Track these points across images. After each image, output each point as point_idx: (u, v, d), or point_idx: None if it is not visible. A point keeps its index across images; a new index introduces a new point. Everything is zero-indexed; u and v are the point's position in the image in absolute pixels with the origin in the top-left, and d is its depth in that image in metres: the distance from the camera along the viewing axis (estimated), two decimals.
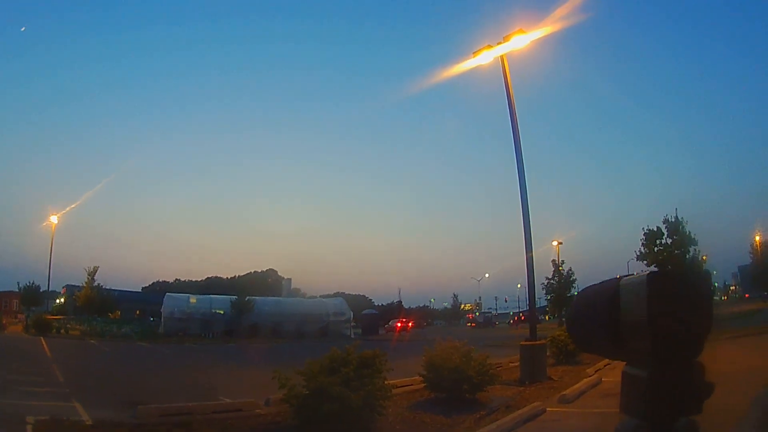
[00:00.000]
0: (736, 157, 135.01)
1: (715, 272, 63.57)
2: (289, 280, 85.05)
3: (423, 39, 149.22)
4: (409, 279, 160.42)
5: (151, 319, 56.87)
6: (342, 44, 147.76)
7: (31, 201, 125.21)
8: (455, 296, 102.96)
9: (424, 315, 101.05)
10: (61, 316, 48.97)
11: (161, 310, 49.44)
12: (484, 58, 17.94)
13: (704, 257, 37.66)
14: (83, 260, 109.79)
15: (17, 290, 59.39)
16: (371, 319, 62.09)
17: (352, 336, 47.02)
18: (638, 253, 37.20)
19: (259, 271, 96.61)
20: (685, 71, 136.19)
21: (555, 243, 57.42)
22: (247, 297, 50.93)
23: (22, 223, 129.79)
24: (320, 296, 72.74)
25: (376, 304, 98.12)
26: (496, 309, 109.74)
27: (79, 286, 54.34)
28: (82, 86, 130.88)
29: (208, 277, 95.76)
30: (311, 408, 8.49)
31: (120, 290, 64.51)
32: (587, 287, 1.65)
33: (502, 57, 17.67)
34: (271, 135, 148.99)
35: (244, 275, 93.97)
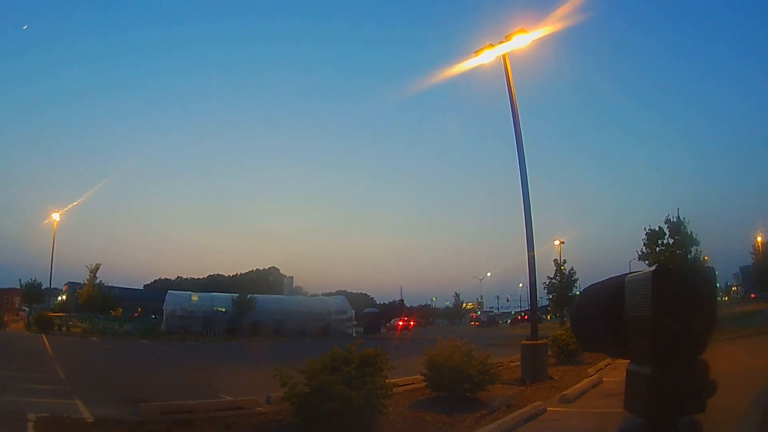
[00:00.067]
0: (737, 157, 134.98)
1: (717, 272, 63.46)
2: (291, 278, 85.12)
3: (423, 39, 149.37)
4: (411, 278, 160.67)
5: (153, 316, 56.97)
6: (342, 44, 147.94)
7: (33, 199, 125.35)
8: (457, 295, 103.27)
9: (426, 314, 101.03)
10: (63, 314, 49.04)
11: (163, 308, 49.48)
12: (486, 57, 17.92)
13: (706, 257, 37.57)
14: (85, 258, 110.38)
15: (19, 287, 59.49)
16: (373, 318, 62.12)
17: (354, 334, 47.04)
18: (640, 253, 37.16)
19: (261, 269, 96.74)
20: (685, 71, 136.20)
21: (557, 242, 57.44)
22: (249, 295, 50.94)
23: (24, 221, 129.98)
24: (322, 294, 72.88)
25: (378, 302, 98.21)
26: (498, 308, 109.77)
27: (80, 284, 54.37)
28: (82, 86, 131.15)
29: (209, 275, 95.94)
30: (312, 406, 8.50)
31: (122, 288, 64.56)
32: (591, 285, 1.65)
33: (503, 56, 17.65)
34: (271, 135, 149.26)
35: (245, 273, 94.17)
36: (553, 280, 53.76)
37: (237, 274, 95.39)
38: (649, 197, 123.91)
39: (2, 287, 62.03)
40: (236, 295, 50.79)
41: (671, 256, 34.89)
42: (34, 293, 57.88)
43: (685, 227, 35.72)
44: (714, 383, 1.41)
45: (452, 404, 11.14)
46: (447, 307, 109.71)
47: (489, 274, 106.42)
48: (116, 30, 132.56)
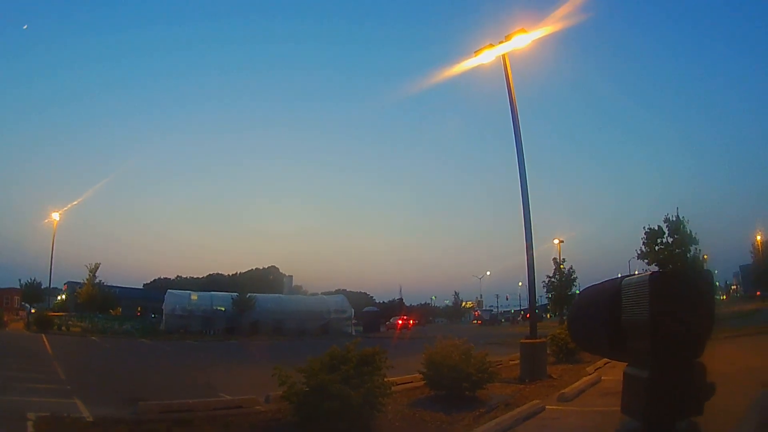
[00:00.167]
0: (736, 157, 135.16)
1: (716, 272, 63.52)
2: (291, 277, 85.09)
3: (423, 39, 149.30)
4: (410, 277, 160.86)
5: (153, 316, 56.94)
6: (342, 44, 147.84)
7: (33, 199, 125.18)
8: (456, 294, 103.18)
9: (426, 312, 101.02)
10: (63, 313, 49.05)
11: (162, 307, 49.47)
12: (486, 57, 17.93)
13: (705, 256, 37.64)
14: (85, 257, 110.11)
15: (18, 287, 59.49)
16: (372, 317, 62.12)
17: (354, 333, 47.02)
18: (639, 252, 37.23)
19: (261, 268, 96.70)
20: (685, 71, 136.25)
21: (556, 241, 57.51)
22: (249, 294, 50.94)
23: (24, 221, 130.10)
24: (321, 294, 72.86)
25: (378, 301, 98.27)
26: (498, 307, 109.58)
27: (80, 283, 54.37)
28: (82, 86, 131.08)
29: (209, 274, 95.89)
30: (311, 405, 8.52)
31: (121, 287, 64.57)
32: (588, 287, 1.66)
33: (503, 56, 17.67)
34: (271, 135, 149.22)
35: (245, 272, 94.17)
36: (553, 279, 53.80)
37: (236, 273, 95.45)
38: (649, 196, 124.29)
39: (2, 287, 61.95)
40: (236, 294, 50.80)
41: (670, 255, 34.96)
42: (33, 293, 57.89)
43: (684, 226, 35.76)
44: (712, 386, 1.41)
45: (451, 403, 11.17)
46: (446, 305, 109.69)
47: (488, 273, 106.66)
48: (116, 30, 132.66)
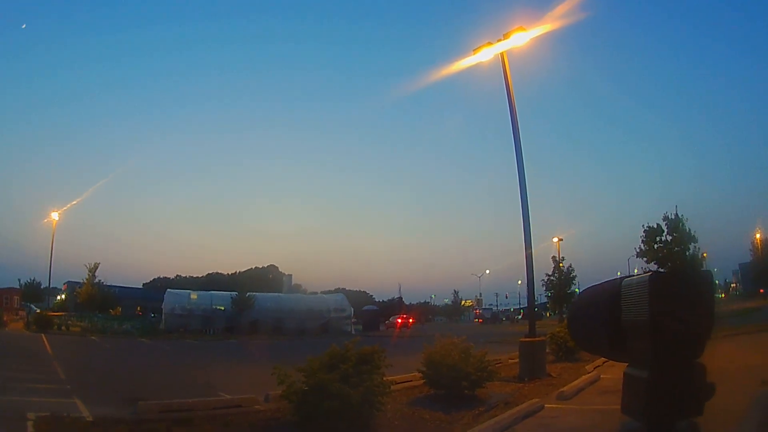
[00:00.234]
0: (736, 155, 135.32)
1: (715, 270, 63.59)
2: (290, 276, 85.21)
3: (422, 38, 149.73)
4: (410, 275, 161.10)
5: (152, 315, 56.95)
6: (342, 44, 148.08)
7: (32, 199, 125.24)
8: (456, 292, 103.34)
9: (425, 311, 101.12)
10: (62, 313, 49.06)
11: (162, 307, 49.54)
12: (484, 55, 17.91)
13: (704, 254, 37.66)
14: (84, 257, 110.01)
15: (18, 287, 59.46)
16: (372, 315, 62.16)
17: (353, 332, 47.11)
18: (638, 250, 37.24)
19: (260, 267, 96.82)
20: (685, 69, 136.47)
21: (555, 240, 57.54)
22: (248, 293, 50.99)
23: (24, 221, 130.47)
24: (321, 292, 72.98)
25: (377, 300, 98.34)
26: (497, 305, 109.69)
27: (80, 283, 54.39)
28: (82, 86, 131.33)
29: (208, 274, 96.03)
30: (311, 404, 8.53)
31: (121, 287, 64.62)
32: (589, 287, 1.66)
33: (502, 54, 17.64)
34: (271, 135, 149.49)
35: (244, 271, 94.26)
36: (552, 278, 53.86)
37: (236, 272, 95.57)
38: (648, 195, 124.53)
39: (1, 287, 61.98)
40: (235, 293, 50.89)
41: (669, 253, 34.98)
42: (33, 292, 57.89)
43: (683, 224, 35.77)
44: (712, 386, 1.41)
45: (450, 401, 11.18)
46: (446, 304, 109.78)
47: (488, 272, 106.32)
48: (116, 30, 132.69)
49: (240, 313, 48.73)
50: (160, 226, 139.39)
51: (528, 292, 18.41)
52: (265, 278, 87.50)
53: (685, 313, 1.26)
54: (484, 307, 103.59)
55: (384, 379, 9.47)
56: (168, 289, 56.11)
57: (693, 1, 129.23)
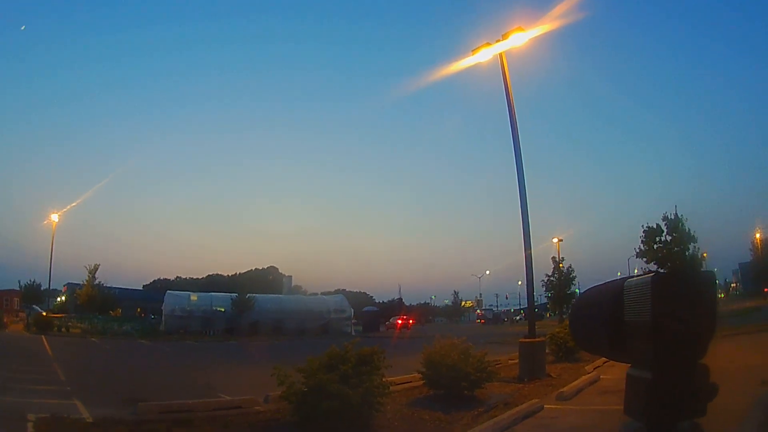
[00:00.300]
0: (735, 155, 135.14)
1: (716, 269, 63.33)
2: (290, 277, 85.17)
3: (421, 38, 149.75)
4: (410, 276, 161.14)
5: (152, 316, 56.94)
6: (342, 44, 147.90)
7: (32, 200, 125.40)
8: (456, 293, 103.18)
9: (425, 312, 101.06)
10: (62, 315, 49.06)
11: (162, 308, 49.51)
12: (483, 55, 17.94)
13: (704, 254, 37.66)
14: (84, 258, 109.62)
15: (18, 288, 59.46)
16: (372, 316, 62.11)
17: (353, 333, 47.08)
18: (638, 251, 37.24)
19: (260, 268, 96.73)
20: (684, 69, 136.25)
21: (555, 240, 57.54)
22: (248, 294, 50.97)
23: (23, 222, 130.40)
24: (321, 293, 72.98)
25: (377, 301, 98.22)
26: (498, 306, 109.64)
27: (80, 284, 54.38)
28: (82, 86, 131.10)
29: (209, 275, 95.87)
30: (310, 405, 8.54)
31: (121, 288, 64.57)
32: (591, 287, 1.65)
33: (500, 54, 17.68)
34: (271, 135, 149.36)
35: (244, 273, 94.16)
36: (552, 278, 53.84)
37: (236, 273, 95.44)
38: (648, 195, 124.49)
39: (1, 288, 61.97)
40: (235, 294, 50.84)
41: (669, 253, 34.99)
42: (33, 294, 57.89)
43: (682, 224, 35.78)
44: (715, 387, 1.40)
45: (450, 402, 11.19)
46: (446, 305, 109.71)
47: (488, 272, 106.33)
48: (116, 30, 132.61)
49: (240, 314, 48.72)
50: (160, 227, 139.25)
51: (527, 292, 18.42)
52: (265, 279, 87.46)
53: (688, 313, 1.26)
54: (484, 307, 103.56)
55: (384, 379, 9.48)
56: (168, 291, 56.10)
57: (692, 1, 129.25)
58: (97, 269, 53.62)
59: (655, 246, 36.19)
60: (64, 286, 66.49)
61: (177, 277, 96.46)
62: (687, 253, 34.96)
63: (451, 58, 21.71)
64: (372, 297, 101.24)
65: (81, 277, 54.04)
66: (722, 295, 77.27)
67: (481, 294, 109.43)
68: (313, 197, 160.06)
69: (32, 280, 59.14)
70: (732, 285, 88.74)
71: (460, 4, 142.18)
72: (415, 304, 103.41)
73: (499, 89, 18.28)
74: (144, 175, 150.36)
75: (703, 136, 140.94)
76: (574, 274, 54.40)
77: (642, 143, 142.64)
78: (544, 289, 54.07)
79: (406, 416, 10.26)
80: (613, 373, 13.48)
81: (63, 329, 41.18)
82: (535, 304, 25.42)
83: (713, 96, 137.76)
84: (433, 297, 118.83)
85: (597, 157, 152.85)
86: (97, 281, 53.64)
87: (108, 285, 56.37)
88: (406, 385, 12.95)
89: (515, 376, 15.04)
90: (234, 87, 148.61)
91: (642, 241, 36.95)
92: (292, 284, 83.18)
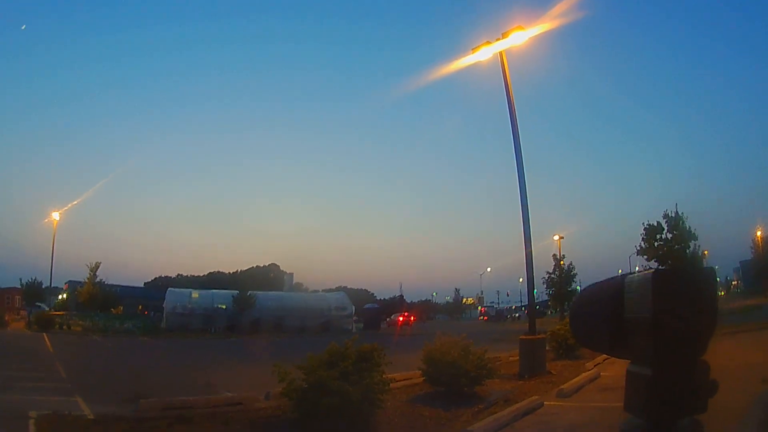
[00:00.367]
0: (736, 153, 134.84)
1: (717, 267, 63.19)
2: (291, 274, 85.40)
3: (422, 38, 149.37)
4: (411, 274, 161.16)
5: (154, 314, 56.97)
6: (342, 44, 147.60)
7: (33, 199, 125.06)
8: (457, 290, 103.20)
9: (426, 309, 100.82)
10: (64, 312, 49.10)
11: (163, 306, 49.53)
12: (483, 54, 17.96)
13: (705, 252, 37.61)
14: (85, 256, 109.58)
15: (20, 286, 59.47)
16: (373, 314, 62.05)
17: (354, 330, 47.09)
18: (638, 248, 37.17)
19: (261, 265, 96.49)
20: (684, 68, 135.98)
21: (556, 238, 57.53)
22: (249, 292, 50.92)
23: (25, 221, 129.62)
24: (322, 291, 72.90)
25: (378, 298, 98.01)
26: (499, 303, 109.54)
27: (81, 282, 54.39)
28: (82, 86, 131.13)
29: (210, 273, 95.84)
30: (310, 402, 8.58)
31: (122, 286, 64.55)
32: (590, 285, 1.66)
33: (500, 53, 17.68)
34: (271, 134, 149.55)
35: (246, 270, 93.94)
36: (552, 276, 53.83)
37: (237, 271, 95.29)
38: (648, 193, 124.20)
39: (3, 286, 62.02)
40: (236, 292, 50.82)
41: (670, 251, 34.91)
42: (34, 292, 57.87)
43: (683, 222, 35.69)
44: (715, 383, 1.41)
45: (450, 399, 11.23)
46: (447, 302, 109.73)
47: (489, 270, 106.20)
48: (116, 30, 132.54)
49: (241, 311, 48.73)
50: (161, 225, 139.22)
51: (528, 290, 18.46)
52: (267, 277, 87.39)
53: (688, 310, 1.26)
54: (486, 304, 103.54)
55: (384, 376, 9.52)
56: (169, 288, 56.09)
57: (691, 1, 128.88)
58: (98, 267, 53.68)
59: (655, 244, 36.09)
60: (65, 284, 66.46)
61: (178, 274, 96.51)
62: (688, 251, 34.90)
63: (451, 58, 21.73)
64: (373, 294, 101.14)
65: (82, 275, 54.09)
66: (722, 293, 77.29)
67: (482, 291, 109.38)
68: (314, 196, 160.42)
69: (33, 278, 58.96)
70: (733, 283, 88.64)
71: (460, 4, 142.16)
72: (416, 301, 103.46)
73: (500, 88, 18.31)
74: (145, 173, 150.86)
75: (703, 135, 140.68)
76: (575, 272, 54.43)
77: (642, 141, 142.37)
78: (545, 286, 54.11)
79: (406, 413, 10.31)
80: (614, 370, 13.50)
81: (64, 327, 41.20)
82: (537, 301, 25.46)
83: (714, 94, 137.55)
84: (434, 294, 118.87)
85: (597, 155, 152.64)
86: (98, 279, 53.65)
87: (109, 283, 56.38)
88: (406, 382, 12.99)
89: (516, 373, 15.08)
90: (234, 87, 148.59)
91: (642, 238, 36.85)
92: (294, 282, 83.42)
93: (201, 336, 41.23)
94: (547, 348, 17.35)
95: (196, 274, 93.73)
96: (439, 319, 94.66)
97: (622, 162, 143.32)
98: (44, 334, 34.86)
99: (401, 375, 12.93)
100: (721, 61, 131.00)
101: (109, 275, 58.50)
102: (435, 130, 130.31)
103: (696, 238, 35.33)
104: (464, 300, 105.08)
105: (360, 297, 78.84)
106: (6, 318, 43.33)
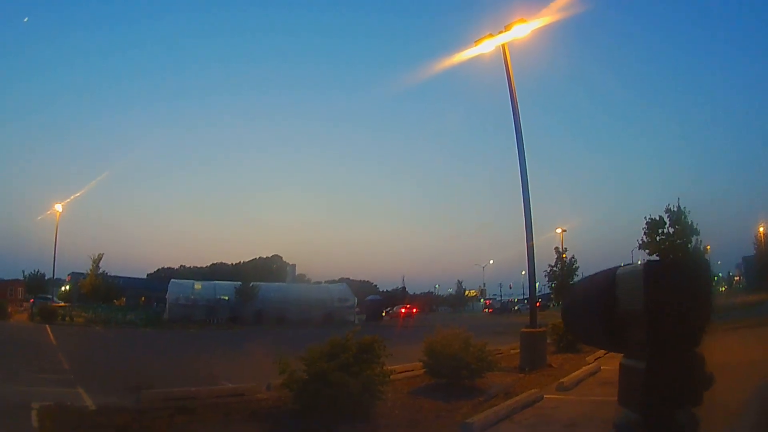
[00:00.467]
0: (739, 148, 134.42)
1: (719, 263, 63.19)
2: (294, 266, 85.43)
3: (425, 30, 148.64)
4: (413, 266, 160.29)
5: (156, 305, 57.16)
6: (344, 36, 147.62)
7: (36, 191, 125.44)
8: (459, 282, 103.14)
9: (429, 301, 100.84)
10: (66, 304, 49.27)
11: (166, 297, 49.73)
12: (486, 47, 17.90)
13: (707, 247, 37.45)
14: (88, 248, 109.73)
15: (22, 278, 59.66)
16: (375, 306, 62.12)
17: (356, 322, 47.16)
18: (640, 242, 37.10)
19: (264, 257, 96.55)
20: (688, 62, 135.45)
21: (558, 231, 57.45)
22: (252, 283, 51.04)
23: (27, 213, 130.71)
24: (325, 282, 73.08)
25: (381, 290, 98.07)
26: (501, 295, 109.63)
27: (84, 274, 54.67)
28: (84, 79, 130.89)
29: (212, 264, 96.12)
30: (311, 393, 8.62)
31: (125, 277, 64.80)
32: (583, 278, 1.65)
33: (503, 46, 17.62)
34: (274, 126, 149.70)
35: (248, 261, 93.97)
36: (555, 269, 53.75)
37: (240, 262, 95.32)
38: (650, 187, 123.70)
39: (6, 278, 62.23)
40: (239, 283, 50.94)
41: (671, 245, 34.82)
42: (37, 284, 58.09)
43: (685, 217, 35.58)
44: (711, 376, 1.40)
45: (450, 391, 11.27)
46: (450, 294, 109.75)
47: (491, 262, 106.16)
48: (117, 23, 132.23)
49: (244, 303, 48.86)
50: (164, 217, 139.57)
51: (529, 283, 18.47)
52: (269, 268, 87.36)
53: (682, 302, 1.24)
54: (489, 296, 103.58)
55: (384, 368, 9.55)
56: (172, 279, 56.26)
57: None
58: (101, 259, 53.96)
59: (657, 238, 35.98)
60: (68, 275, 66.81)
61: (181, 265, 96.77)
62: (689, 246, 34.81)
63: (453, 50, 21.58)
64: (375, 286, 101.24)
65: (85, 267, 54.42)
66: (723, 288, 77.20)
67: (484, 283, 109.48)
68: (317, 187, 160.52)
69: (36, 270, 59.22)
70: (735, 279, 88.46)
71: None
72: (419, 293, 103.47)
73: (502, 80, 18.26)
74: (148, 165, 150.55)
75: (707, 129, 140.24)
76: (577, 265, 54.33)
77: (645, 135, 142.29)
78: (547, 279, 54.04)
79: (407, 404, 10.33)
80: (614, 364, 13.15)
81: (67, 318, 41.36)
82: (539, 294, 25.47)
83: (717, 89, 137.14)
84: (437, 286, 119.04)
85: (600, 148, 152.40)
86: (101, 271, 53.93)
87: (112, 274, 56.69)
88: (407, 374, 13.04)
89: (516, 366, 15.11)
90: (236, 79, 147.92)
91: (645, 232, 36.75)
92: (296, 273, 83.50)
93: (203, 327, 41.40)
94: (548, 341, 17.36)
95: (198, 266, 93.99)
96: (441, 311, 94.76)
97: (625, 156, 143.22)
98: (47, 325, 34.98)
99: (402, 367, 12.97)
100: (725, 55, 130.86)
101: (112, 267, 58.89)
102: (437, 123, 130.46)
103: (698, 233, 35.22)
104: (466, 292, 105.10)
105: (362, 289, 78.87)
106: (9, 310, 43.45)
